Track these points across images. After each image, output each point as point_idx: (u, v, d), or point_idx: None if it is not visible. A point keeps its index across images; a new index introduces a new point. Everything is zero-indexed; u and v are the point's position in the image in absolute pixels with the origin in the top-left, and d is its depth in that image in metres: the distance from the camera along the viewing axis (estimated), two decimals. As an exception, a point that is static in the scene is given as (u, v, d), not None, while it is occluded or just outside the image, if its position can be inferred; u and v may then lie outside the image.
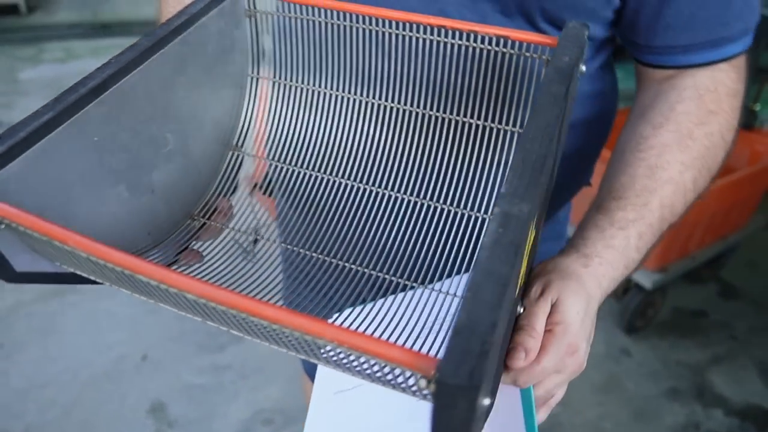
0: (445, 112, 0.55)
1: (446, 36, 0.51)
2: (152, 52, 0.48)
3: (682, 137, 0.59)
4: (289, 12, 0.56)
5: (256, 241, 0.54)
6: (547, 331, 0.46)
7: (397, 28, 0.52)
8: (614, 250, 0.54)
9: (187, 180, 0.54)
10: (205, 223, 0.54)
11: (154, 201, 0.51)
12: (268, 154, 0.60)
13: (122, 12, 5.47)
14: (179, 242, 0.52)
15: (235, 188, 0.58)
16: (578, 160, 0.72)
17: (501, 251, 0.29)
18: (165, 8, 0.74)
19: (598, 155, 0.76)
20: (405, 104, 0.56)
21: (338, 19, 0.54)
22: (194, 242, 0.53)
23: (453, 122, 0.55)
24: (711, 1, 0.59)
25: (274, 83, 0.60)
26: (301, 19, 0.56)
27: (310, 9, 0.55)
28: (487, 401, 0.30)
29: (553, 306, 0.48)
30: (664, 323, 2.19)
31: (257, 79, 0.60)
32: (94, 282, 0.41)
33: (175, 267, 0.50)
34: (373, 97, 0.56)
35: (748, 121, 2.19)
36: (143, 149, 0.49)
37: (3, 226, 0.35)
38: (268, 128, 0.60)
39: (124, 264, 0.31)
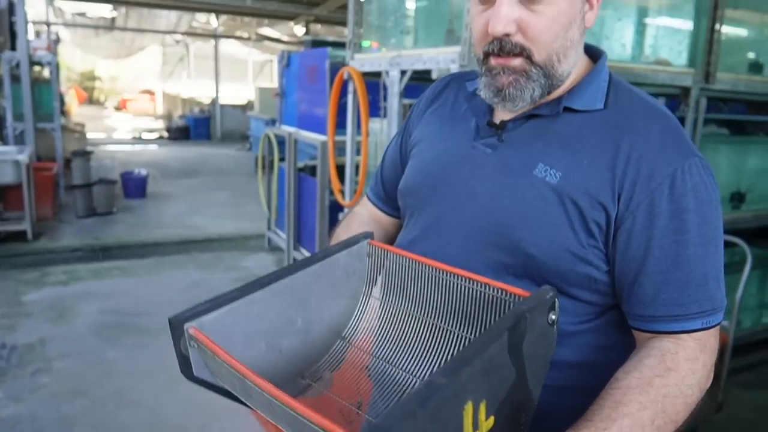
0: (453, 327, 0.88)
1: (468, 282, 0.86)
2: (301, 268, 0.85)
3: (643, 383, 0.78)
4: (392, 258, 0.94)
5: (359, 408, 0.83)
6: None
7: (444, 275, 0.88)
8: None
9: (305, 351, 0.87)
10: (310, 384, 0.84)
11: (279, 359, 0.83)
12: (370, 348, 0.91)
13: (121, 236, 5.98)
14: (289, 393, 0.81)
15: (339, 366, 0.88)
16: (582, 394, 0.83)
17: (413, 397, 0.57)
18: (339, 234, 1.14)
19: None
20: (437, 320, 0.90)
21: (415, 265, 0.91)
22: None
23: (454, 334, 0.87)
24: (669, 287, 0.82)
25: (380, 301, 0.95)
26: (397, 263, 0.94)
27: (402, 258, 0.93)
28: None
29: None
30: None
31: (369, 297, 0.96)
32: (242, 403, 0.70)
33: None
34: (426, 315, 0.91)
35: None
36: (281, 323, 0.83)
37: (195, 346, 0.66)
38: (372, 331, 0.94)
39: (271, 392, 0.61)
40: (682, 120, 3.03)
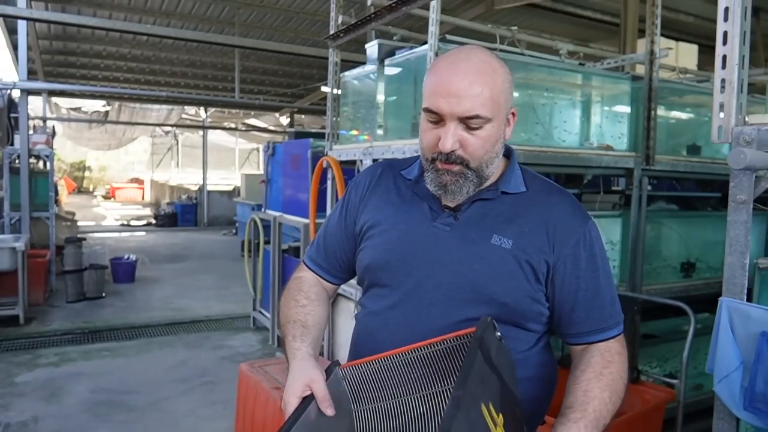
0: (436, 387, 1.07)
1: (431, 346, 1.09)
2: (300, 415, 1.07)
3: (597, 375, 1.15)
4: (363, 368, 1.14)
5: None
6: None
7: (410, 353, 1.12)
8: None
9: None
10: None
11: None
12: None
13: (110, 319, 6.12)
14: None
15: None
16: (532, 405, 1.22)
17: (449, 407, 0.85)
18: (295, 295, 1.36)
19: (548, 403, 1.28)
20: (422, 389, 1.08)
21: (384, 361, 1.13)
22: None
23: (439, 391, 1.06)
24: (595, 309, 1.22)
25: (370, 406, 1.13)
26: (369, 368, 1.15)
27: (372, 362, 1.14)
28: None
29: None
30: None
31: (360, 408, 1.14)
32: None
33: None
34: (412, 390, 1.08)
35: (634, 376, 2.80)
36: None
37: None
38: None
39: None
40: (628, 197, 3.40)
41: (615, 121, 3.50)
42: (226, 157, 24.56)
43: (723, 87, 1.36)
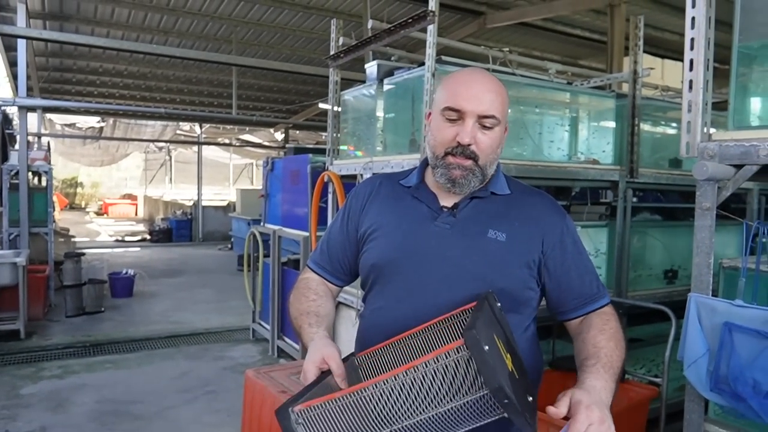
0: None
1: (437, 325, 1.27)
2: None
3: (599, 330, 1.32)
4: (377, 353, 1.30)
5: None
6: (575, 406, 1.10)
7: (418, 334, 1.27)
8: (595, 376, 1.20)
9: None
10: None
11: None
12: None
13: (111, 333, 6.22)
14: None
15: None
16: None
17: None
18: (301, 298, 1.49)
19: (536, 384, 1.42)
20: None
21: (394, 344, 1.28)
22: None
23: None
24: (585, 283, 1.39)
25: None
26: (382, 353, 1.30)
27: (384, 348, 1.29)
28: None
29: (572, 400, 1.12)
30: None
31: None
32: None
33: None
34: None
35: (622, 377, 2.95)
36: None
37: (302, 421, 0.99)
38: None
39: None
40: (614, 209, 3.58)
41: (601, 136, 3.69)
42: (219, 173, 24.69)
43: (690, 108, 1.53)
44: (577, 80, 3.99)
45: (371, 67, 3.31)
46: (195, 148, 18.37)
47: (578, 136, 3.63)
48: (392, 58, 3.45)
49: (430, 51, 2.71)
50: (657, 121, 4.07)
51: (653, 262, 3.82)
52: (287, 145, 6.51)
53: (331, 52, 3.73)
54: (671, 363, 2.99)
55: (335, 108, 3.76)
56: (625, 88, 4.10)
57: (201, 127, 16.45)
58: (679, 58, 6.84)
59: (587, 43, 8.68)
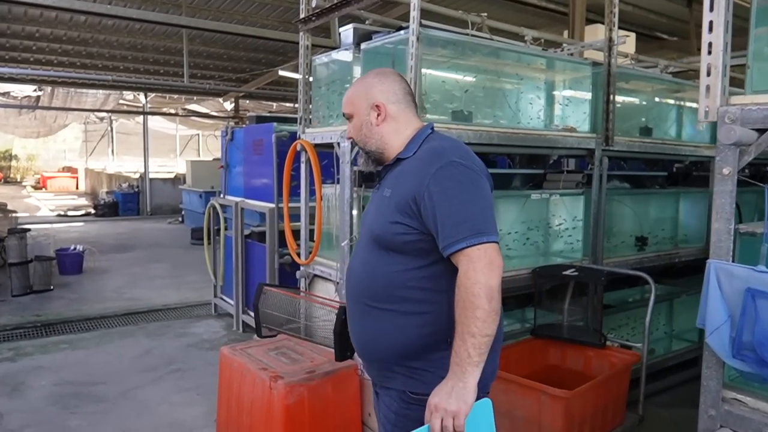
0: None
1: None
2: None
3: (456, 294, 1.44)
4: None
5: None
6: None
7: None
8: (452, 357, 1.42)
9: None
10: None
11: None
12: None
13: (63, 312, 5.93)
14: None
15: None
16: (406, 318, 1.61)
17: None
18: None
19: (431, 326, 1.57)
20: None
21: None
22: None
23: None
24: (447, 227, 1.46)
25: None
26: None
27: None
28: None
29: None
30: None
31: None
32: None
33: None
34: None
35: (601, 342, 3.00)
36: None
37: (267, 294, 1.13)
38: None
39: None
40: (589, 176, 3.58)
41: (576, 105, 3.67)
42: (164, 144, 23.82)
43: (709, 71, 1.49)
44: (550, 49, 3.95)
45: (346, 31, 3.16)
46: (138, 118, 17.66)
47: (555, 105, 3.60)
48: (366, 22, 3.31)
49: (415, 13, 2.59)
50: (629, 91, 4.08)
51: (625, 229, 3.87)
52: (249, 114, 6.25)
53: (302, 15, 3.56)
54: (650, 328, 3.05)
55: (306, 76, 3.59)
56: (590, 57, 4.11)
57: (146, 97, 15.77)
58: (632, 29, 6.90)
59: (543, 13, 8.67)
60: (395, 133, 1.68)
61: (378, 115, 1.67)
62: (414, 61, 2.62)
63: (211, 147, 24.12)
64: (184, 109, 18.01)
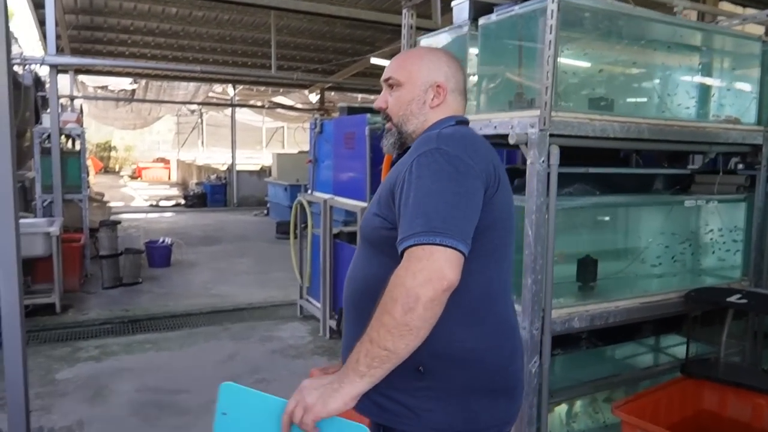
0: None
1: None
2: None
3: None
4: None
5: None
6: None
7: None
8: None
9: None
10: None
11: None
12: None
13: (150, 307, 5.83)
14: None
15: None
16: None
17: None
18: None
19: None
20: None
21: None
22: None
23: None
24: (403, 223, 1.23)
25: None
26: None
27: None
28: None
29: None
30: None
31: None
32: None
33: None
34: None
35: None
36: None
37: None
38: None
39: None
40: (753, 178, 2.93)
41: (740, 90, 3.02)
42: (250, 136, 24.22)
43: None
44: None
45: (461, 5, 2.69)
46: (227, 111, 17.90)
47: (712, 91, 2.96)
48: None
49: (556, -25, 2.08)
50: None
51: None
52: (340, 104, 5.90)
53: (406, -10, 3.11)
54: None
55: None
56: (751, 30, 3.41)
57: (234, 89, 15.92)
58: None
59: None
60: (437, 122, 1.47)
61: (436, 96, 1.47)
62: (553, 34, 2.10)
63: (296, 139, 24.29)
64: (270, 102, 18.10)
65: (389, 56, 11.09)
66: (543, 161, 2.16)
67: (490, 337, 1.36)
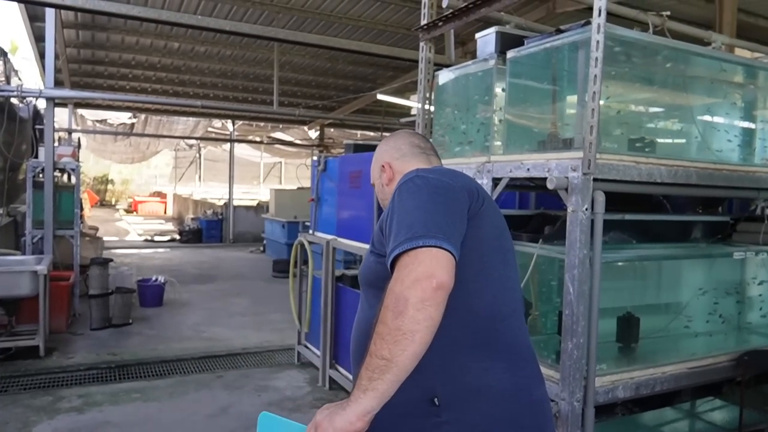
0: None
1: None
2: None
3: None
4: None
5: None
6: None
7: None
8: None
9: None
10: None
11: None
12: None
13: (139, 351, 5.50)
14: None
15: None
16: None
17: None
18: None
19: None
20: None
21: None
22: None
23: None
24: (390, 239, 1.24)
25: None
26: None
27: None
28: None
29: None
30: None
31: None
32: None
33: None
34: None
35: None
36: None
37: None
38: None
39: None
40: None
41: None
42: (248, 171, 24.09)
43: None
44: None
45: (486, 37, 2.49)
46: (224, 146, 17.77)
47: (756, 132, 2.75)
48: (507, 27, 2.62)
49: (600, 3, 1.88)
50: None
51: None
52: (347, 142, 5.68)
53: (423, 21, 2.92)
54: None
55: (427, 95, 2.93)
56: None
57: (233, 124, 15.82)
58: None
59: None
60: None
61: (385, 174, 1.60)
62: (598, 68, 1.88)
63: (293, 175, 24.18)
64: (269, 137, 17.98)
65: (393, 93, 11.01)
66: (586, 209, 1.91)
67: (505, 361, 1.32)
